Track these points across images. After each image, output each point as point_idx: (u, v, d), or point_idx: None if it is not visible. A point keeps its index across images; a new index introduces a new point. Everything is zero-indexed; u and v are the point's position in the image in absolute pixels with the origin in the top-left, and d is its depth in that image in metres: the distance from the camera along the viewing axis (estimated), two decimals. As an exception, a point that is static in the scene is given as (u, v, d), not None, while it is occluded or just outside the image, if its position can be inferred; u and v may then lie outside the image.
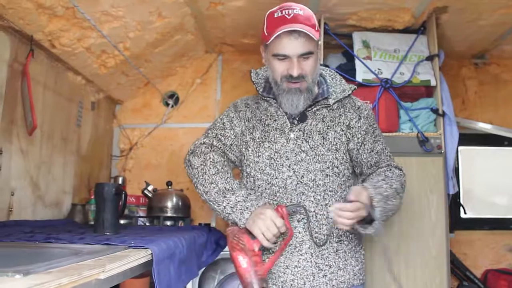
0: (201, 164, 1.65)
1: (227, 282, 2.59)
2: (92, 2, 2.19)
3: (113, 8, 2.29)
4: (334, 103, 1.69)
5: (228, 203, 1.56)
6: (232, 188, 1.58)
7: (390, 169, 1.70)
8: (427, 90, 2.69)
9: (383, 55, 2.70)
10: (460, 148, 3.37)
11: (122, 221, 2.69)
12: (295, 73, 1.57)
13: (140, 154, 3.40)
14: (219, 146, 1.71)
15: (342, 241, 1.65)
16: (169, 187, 2.89)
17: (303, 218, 1.61)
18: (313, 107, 1.67)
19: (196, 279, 2.46)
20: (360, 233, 1.62)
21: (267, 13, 1.64)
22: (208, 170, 1.63)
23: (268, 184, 1.64)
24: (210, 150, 1.69)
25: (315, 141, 1.64)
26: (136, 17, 2.47)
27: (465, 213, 3.35)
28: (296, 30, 1.53)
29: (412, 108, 2.63)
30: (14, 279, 0.84)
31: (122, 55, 2.69)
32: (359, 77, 2.63)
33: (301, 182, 1.62)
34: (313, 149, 1.63)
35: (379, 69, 2.65)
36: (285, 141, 1.65)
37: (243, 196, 1.56)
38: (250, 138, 1.70)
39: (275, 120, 1.69)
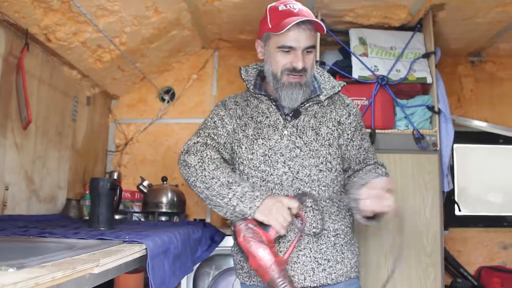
0: (198, 162, 1.62)
1: (222, 278, 2.59)
2: (88, -4, 2.18)
3: (109, 3, 2.28)
4: (325, 100, 1.71)
5: (235, 194, 1.52)
6: (236, 181, 1.55)
7: (378, 167, 1.75)
8: (423, 88, 2.70)
9: (379, 52, 2.70)
10: (455, 145, 3.39)
11: (117, 216, 2.69)
12: (300, 65, 1.58)
13: (136, 149, 3.40)
14: (213, 145, 1.69)
15: (338, 235, 1.66)
16: (164, 182, 2.89)
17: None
18: (305, 103, 1.69)
19: (191, 275, 2.46)
20: (361, 224, 1.63)
21: (269, 7, 1.65)
22: (207, 166, 1.59)
23: (263, 181, 1.64)
24: (206, 148, 1.67)
25: (309, 137, 1.65)
26: (132, 12, 2.45)
27: (459, 210, 3.36)
28: (304, 22, 1.54)
29: (408, 105, 2.63)
30: (7, 273, 0.83)
31: (118, 50, 2.67)
32: (355, 74, 2.63)
33: (297, 178, 1.62)
34: (307, 144, 1.64)
35: (375, 66, 2.66)
36: (279, 137, 1.65)
37: (249, 186, 1.54)
38: (243, 135, 1.69)
39: (267, 117, 1.69)
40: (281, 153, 1.64)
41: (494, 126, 3.21)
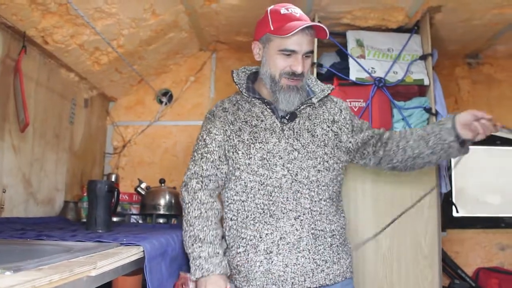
0: (188, 202, 1.68)
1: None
2: (85, -1, 2.18)
3: (107, 5, 2.28)
4: (317, 102, 1.75)
5: (192, 252, 1.61)
6: (203, 239, 1.61)
7: (405, 129, 1.90)
8: (420, 89, 2.70)
9: (376, 54, 2.71)
10: (453, 147, 3.38)
11: (114, 219, 2.69)
12: (299, 69, 1.61)
13: (133, 151, 3.39)
14: (210, 174, 1.69)
15: (334, 236, 1.67)
16: (162, 184, 2.88)
17: (299, 216, 1.62)
18: (300, 106, 1.71)
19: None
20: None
21: (270, 9, 1.66)
22: (192, 211, 1.66)
23: (261, 185, 1.64)
24: (201, 187, 1.68)
25: (305, 138, 1.67)
26: (130, 14, 2.46)
27: (457, 211, 3.37)
28: (308, 27, 1.58)
29: (405, 107, 2.64)
30: (4, 276, 0.83)
31: (115, 52, 2.67)
32: (352, 76, 2.63)
33: (296, 180, 1.63)
34: (304, 146, 1.66)
35: (372, 68, 2.66)
36: (277, 140, 1.66)
37: (208, 254, 1.59)
38: (238, 141, 1.68)
39: (262, 121, 1.70)
40: (280, 156, 1.64)
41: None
